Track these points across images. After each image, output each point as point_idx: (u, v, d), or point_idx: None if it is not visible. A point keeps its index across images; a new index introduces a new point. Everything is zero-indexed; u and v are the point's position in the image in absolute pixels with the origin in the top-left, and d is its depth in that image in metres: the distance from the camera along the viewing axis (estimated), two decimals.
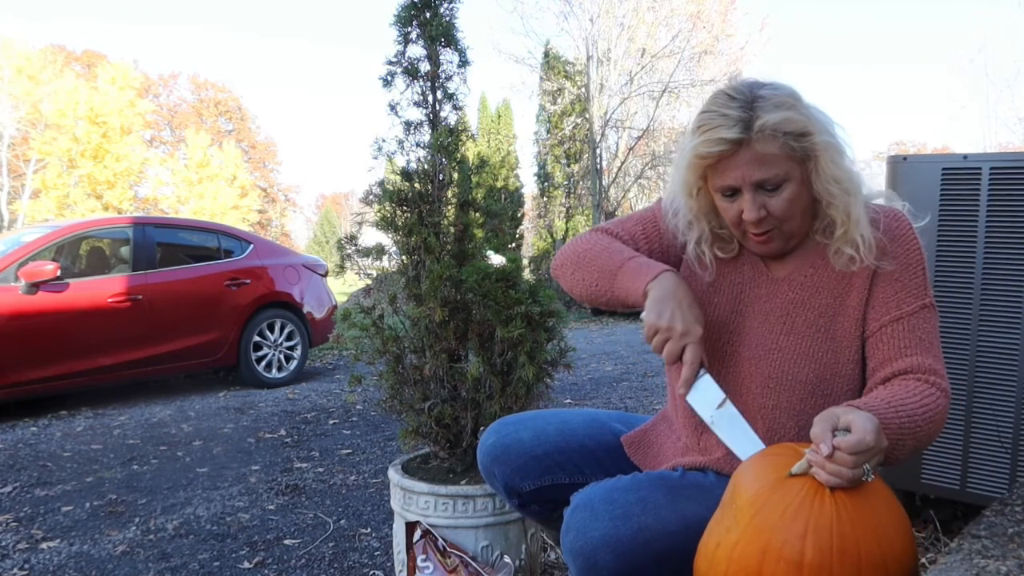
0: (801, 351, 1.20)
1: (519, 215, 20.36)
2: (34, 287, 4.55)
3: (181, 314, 5.21)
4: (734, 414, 1.16)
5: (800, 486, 0.97)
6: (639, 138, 17.35)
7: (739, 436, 1.15)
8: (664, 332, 1.15)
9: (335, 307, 6.26)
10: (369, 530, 2.64)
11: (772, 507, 0.98)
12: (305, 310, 5.94)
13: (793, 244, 1.23)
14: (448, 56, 2.07)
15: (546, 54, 18.36)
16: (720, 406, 1.16)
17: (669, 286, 1.17)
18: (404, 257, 2.05)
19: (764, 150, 1.11)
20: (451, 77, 2.09)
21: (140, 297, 5.01)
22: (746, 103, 1.11)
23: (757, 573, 0.96)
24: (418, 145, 2.08)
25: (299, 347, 5.89)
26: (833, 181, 1.13)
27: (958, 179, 1.83)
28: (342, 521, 2.74)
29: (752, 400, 1.24)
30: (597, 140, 16.47)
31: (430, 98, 2.08)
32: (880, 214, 1.20)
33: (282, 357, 5.80)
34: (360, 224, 2.14)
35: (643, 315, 1.18)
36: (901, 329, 1.15)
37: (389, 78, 2.05)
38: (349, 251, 2.09)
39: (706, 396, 1.17)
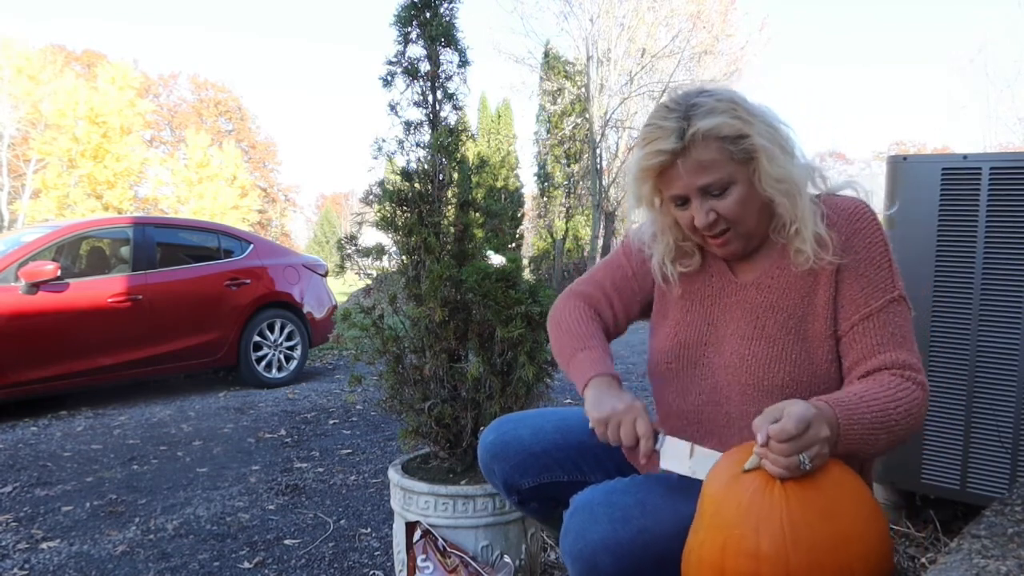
0: (774, 355, 1.20)
1: (519, 215, 20.37)
2: (34, 287, 4.55)
3: (181, 314, 5.21)
4: (707, 453, 1.17)
5: (752, 480, 1.00)
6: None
7: None
8: (611, 420, 1.18)
9: (335, 307, 6.26)
10: (369, 530, 2.64)
11: (728, 504, 1.01)
12: (305, 310, 5.93)
13: (755, 244, 1.24)
14: (448, 56, 2.07)
15: (546, 54, 18.37)
16: (691, 455, 1.17)
17: (598, 390, 1.24)
18: (404, 257, 2.05)
19: (702, 156, 1.13)
20: (451, 77, 2.09)
21: (140, 297, 5.01)
22: (682, 113, 1.13)
23: (721, 569, 1.00)
24: (418, 145, 2.08)
25: (299, 347, 5.89)
26: (775, 181, 1.14)
27: (958, 179, 1.83)
28: (342, 521, 2.74)
29: (733, 408, 1.24)
30: (597, 140, 16.46)
31: (430, 98, 2.08)
32: (838, 209, 1.19)
33: (282, 357, 5.79)
34: (360, 224, 2.14)
35: (589, 423, 1.23)
36: (872, 326, 1.15)
37: (389, 78, 2.05)
38: (349, 251, 2.09)
39: (675, 455, 1.18)
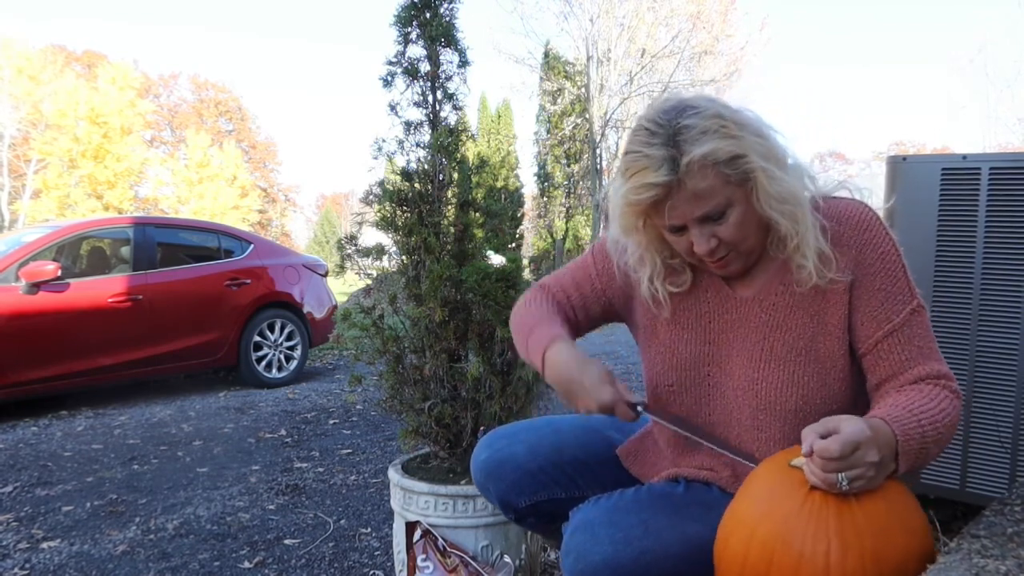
0: (784, 379, 1.14)
1: (519, 215, 20.38)
2: (35, 287, 4.55)
3: (181, 314, 5.21)
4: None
5: (790, 475, 1.02)
6: None
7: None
8: (600, 411, 1.17)
9: (335, 307, 6.26)
10: (369, 530, 2.64)
11: (759, 484, 1.05)
12: (305, 310, 5.93)
13: (754, 260, 1.17)
14: (448, 56, 2.07)
15: (546, 54, 18.38)
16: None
17: (554, 372, 1.20)
18: (404, 257, 2.06)
19: (699, 186, 1.04)
20: (451, 77, 2.09)
21: (140, 297, 5.01)
22: (668, 138, 1.03)
23: (729, 533, 1.05)
24: (418, 145, 2.08)
25: (299, 347, 5.89)
26: (776, 202, 1.07)
27: (958, 179, 1.83)
28: (342, 521, 2.74)
29: (744, 432, 1.19)
30: (597, 140, 16.47)
31: (430, 98, 2.08)
32: (842, 219, 1.13)
33: (282, 357, 5.79)
34: (360, 224, 2.15)
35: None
36: (897, 342, 1.10)
37: (389, 78, 2.05)
38: (349, 251, 2.09)
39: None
